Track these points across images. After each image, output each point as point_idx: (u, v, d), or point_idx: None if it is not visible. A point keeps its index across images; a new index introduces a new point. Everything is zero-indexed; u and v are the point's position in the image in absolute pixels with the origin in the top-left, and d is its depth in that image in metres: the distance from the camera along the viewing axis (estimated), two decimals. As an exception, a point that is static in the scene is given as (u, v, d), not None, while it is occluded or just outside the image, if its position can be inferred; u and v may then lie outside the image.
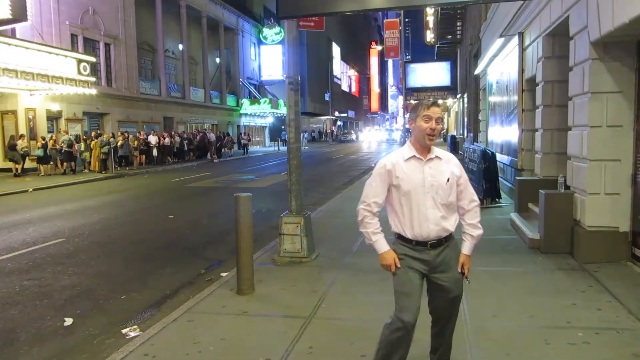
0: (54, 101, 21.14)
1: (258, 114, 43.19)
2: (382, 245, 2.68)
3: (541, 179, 7.54)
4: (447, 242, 2.69)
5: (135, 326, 4.35)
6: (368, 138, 49.79)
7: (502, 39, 10.48)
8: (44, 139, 19.00)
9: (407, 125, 37.34)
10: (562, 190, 6.07)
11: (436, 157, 2.65)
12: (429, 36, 36.78)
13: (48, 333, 4.30)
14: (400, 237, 2.70)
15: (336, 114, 63.66)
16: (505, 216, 8.22)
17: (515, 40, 9.32)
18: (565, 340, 3.58)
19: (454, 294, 2.70)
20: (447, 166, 2.66)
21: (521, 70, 8.87)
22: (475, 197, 2.77)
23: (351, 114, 73.02)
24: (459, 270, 2.69)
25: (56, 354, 3.90)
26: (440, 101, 39.95)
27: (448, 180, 2.64)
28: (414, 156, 2.63)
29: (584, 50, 5.49)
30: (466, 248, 2.73)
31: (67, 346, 4.04)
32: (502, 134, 11.91)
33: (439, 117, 2.61)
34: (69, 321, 4.52)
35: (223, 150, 30.17)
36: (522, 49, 8.83)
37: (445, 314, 2.76)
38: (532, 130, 8.53)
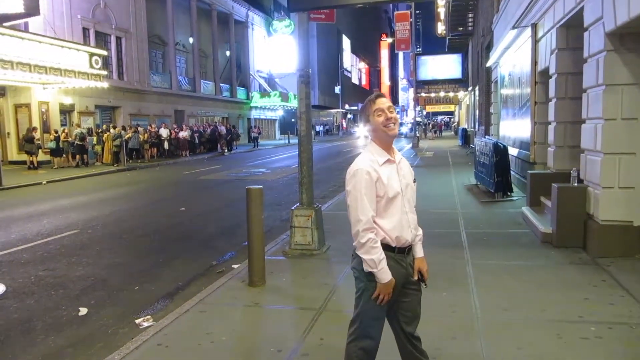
0: (67, 94, 21.36)
1: (268, 107, 43.26)
2: (388, 273, 2.36)
3: (554, 173, 7.46)
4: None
5: (148, 316, 4.41)
6: (364, 133, 49.13)
7: (515, 31, 10.35)
8: (56, 132, 19.22)
9: (417, 119, 36.74)
10: (575, 184, 6.01)
11: (402, 157, 2.57)
12: (440, 28, 36.46)
13: (63, 322, 4.38)
14: (384, 247, 2.41)
15: (346, 107, 63.43)
16: (517, 210, 8.16)
17: (528, 32, 9.21)
18: (578, 334, 3.56)
19: (421, 293, 2.57)
20: (408, 167, 2.58)
21: (534, 63, 8.77)
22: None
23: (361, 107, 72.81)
24: (416, 278, 2.52)
25: (71, 343, 3.98)
26: (451, 94, 39.59)
27: (414, 180, 2.58)
28: (389, 159, 2.47)
29: (598, 42, 5.40)
30: (420, 251, 2.57)
31: (82, 335, 4.11)
32: (514, 127, 11.80)
33: (390, 106, 2.47)
34: (83, 311, 4.60)
35: (233, 143, 30.33)
36: (535, 41, 8.72)
37: (417, 312, 2.57)
38: (545, 123, 8.44)
